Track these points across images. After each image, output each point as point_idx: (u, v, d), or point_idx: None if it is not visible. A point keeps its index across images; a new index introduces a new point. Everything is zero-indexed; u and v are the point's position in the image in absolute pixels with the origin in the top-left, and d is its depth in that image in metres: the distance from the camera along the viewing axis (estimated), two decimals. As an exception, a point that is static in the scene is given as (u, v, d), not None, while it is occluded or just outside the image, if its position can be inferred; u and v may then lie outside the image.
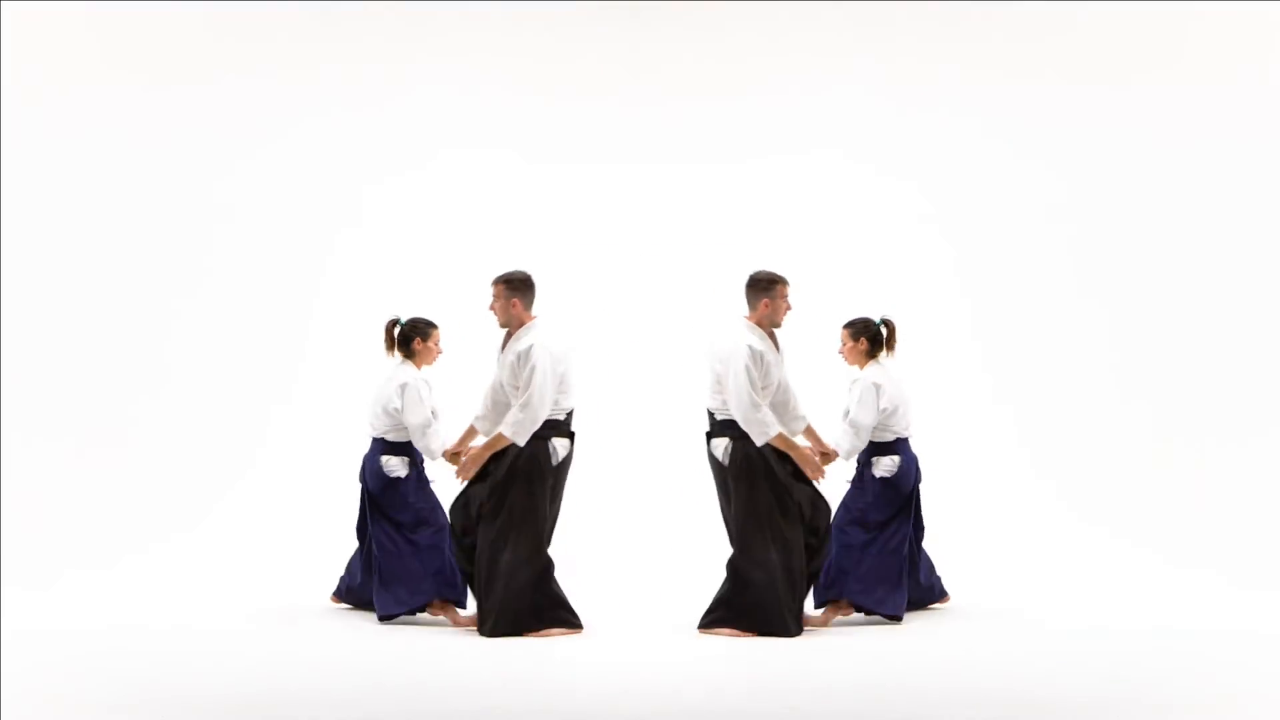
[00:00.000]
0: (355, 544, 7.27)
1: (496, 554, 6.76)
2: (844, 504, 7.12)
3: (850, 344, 7.21)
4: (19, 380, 9.01)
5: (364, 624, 6.86)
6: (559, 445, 6.88)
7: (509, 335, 6.97)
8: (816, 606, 7.05)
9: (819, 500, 7.00)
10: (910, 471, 7.14)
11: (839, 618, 7.04)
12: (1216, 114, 9.34)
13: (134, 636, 6.46)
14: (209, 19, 9.43)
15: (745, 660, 6.00)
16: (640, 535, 8.63)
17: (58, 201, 9.31)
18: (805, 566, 6.91)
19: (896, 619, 6.98)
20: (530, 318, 6.95)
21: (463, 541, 7.00)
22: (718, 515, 7.08)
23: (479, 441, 7.07)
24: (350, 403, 9.02)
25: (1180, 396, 9.20)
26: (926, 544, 7.28)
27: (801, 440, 7.09)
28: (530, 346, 6.80)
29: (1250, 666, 5.85)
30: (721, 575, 6.91)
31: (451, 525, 7.04)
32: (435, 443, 7.02)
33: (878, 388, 7.01)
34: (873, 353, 7.19)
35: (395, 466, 7.09)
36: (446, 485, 7.15)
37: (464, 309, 8.19)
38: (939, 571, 7.35)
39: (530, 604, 6.73)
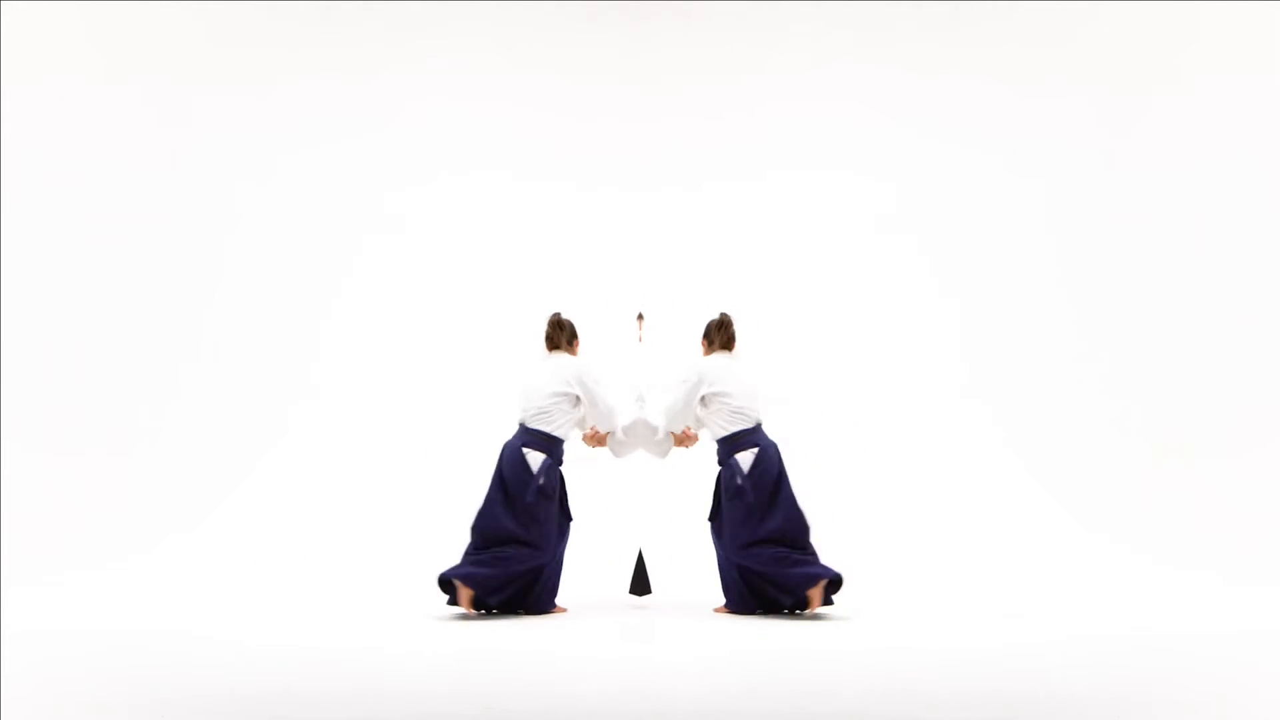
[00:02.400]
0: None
1: None
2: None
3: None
4: (21, 380, 9.04)
5: (362, 624, 6.87)
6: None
7: None
8: None
9: None
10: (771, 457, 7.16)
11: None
12: (1214, 117, 9.38)
13: (135, 636, 6.46)
14: (229, 25, 9.47)
15: (745, 659, 6.00)
16: (639, 537, 8.64)
17: (66, 207, 9.35)
18: None
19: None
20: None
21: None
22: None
23: None
24: (349, 404, 9.04)
25: (1175, 396, 9.23)
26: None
27: None
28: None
29: (1250, 665, 5.86)
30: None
31: None
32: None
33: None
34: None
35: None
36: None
37: (465, 318, 8.23)
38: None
39: None
